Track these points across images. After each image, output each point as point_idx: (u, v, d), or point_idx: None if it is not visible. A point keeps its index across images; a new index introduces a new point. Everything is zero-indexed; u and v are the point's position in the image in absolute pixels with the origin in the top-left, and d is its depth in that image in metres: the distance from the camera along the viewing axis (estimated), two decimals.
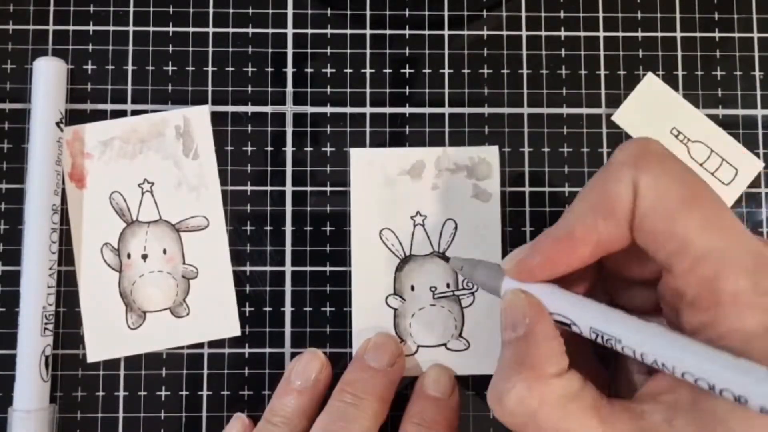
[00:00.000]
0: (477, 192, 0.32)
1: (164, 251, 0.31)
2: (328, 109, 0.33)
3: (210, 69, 0.32)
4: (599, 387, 0.23)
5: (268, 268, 0.32)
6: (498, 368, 0.23)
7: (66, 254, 0.31)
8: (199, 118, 0.32)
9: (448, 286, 0.31)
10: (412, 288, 0.31)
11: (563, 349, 0.23)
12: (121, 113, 0.32)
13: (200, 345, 0.31)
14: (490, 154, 0.32)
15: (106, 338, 0.31)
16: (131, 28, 0.33)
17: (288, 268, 0.32)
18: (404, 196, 0.32)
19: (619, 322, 0.22)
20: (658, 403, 0.21)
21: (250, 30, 0.33)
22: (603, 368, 0.27)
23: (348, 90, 0.33)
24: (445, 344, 0.31)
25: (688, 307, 0.21)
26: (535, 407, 0.21)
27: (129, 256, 0.31)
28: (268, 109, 0.32)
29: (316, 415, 0.29)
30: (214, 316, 0.31)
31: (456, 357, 0.31)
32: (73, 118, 0.32)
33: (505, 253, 0.31)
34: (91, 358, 0.31)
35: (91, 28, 0.32)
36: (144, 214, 0.31)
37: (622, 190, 0.22)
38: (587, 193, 0.23)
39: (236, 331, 0.31)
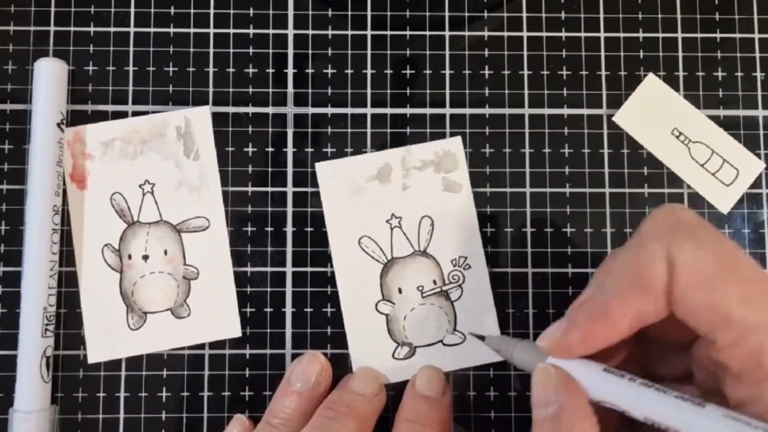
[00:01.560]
0: (447, 185, 0.32)
1: (165, 252, 0.31)
2: (329, 110, 0.33)
3: (211, 70, 0.32)
4: None
5: (268, 269, 0.32)
6: None
7: (67, 255, 0.31)
8: (200, 118, 0.32)
9: (434, 282, 0.31)
10: (400, 290, 0.31)
11: (598, 429, 0.22)
12: (122, 114, 0.32)
13: (201, 346, 0.31)
14: (454, 145, 0.32)
15: (107, 339, 0.31)
16: (132, 29, 0.33)
17: (289, 269, 0.32)
18: (376, 202, 0.32)
19: (673, 407, 0.21)
20: None
21: (251, 31, 0.33)
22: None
23: (349, 91, 0.33)
24: (441, 341, 0.31)
25: (734, 380, 0.21)
26: None
27: (130, 256, 0.31)
28: (269, 110, 0.32)
29: None
30: (215, 316, 0.31)
31: (453, 351, 0.31)
32: (74, 118, 0.32)
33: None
34: (92, 359, 0.31)
35: (92, 29, 0.33)
36: (145, 214, 0.31)
37: (656, 267, 0.21)
38: (620, 268, 0.23)
39: (237, 332, 0.31)
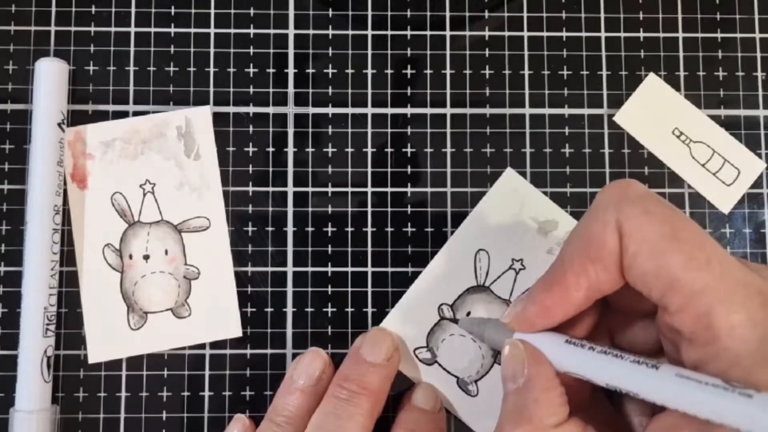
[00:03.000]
0: (550, 248, 0.31)
1: (166, 252, 0.31)
2: (330, 110, 0.33)
3: (211, 70, 0.32)
4: (606, 423, 0.23)
5: (269, 269, 0.32)
6: (499, 420, 0.24)
7: (68, 255, 0.31)
8: (200, 118, 0.32)
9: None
10: (468, 314, 0.31)
11: (564, 399, 0.23)
12: (123, 114, 0.32)
13: (202, 346, 0.31)
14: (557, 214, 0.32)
15: (107, 339, 0.31)
16: (133, 29, 0.33)
17: (289, 269, 0.32)
18: (521, 239, 0.31)
19: (629, 371, 0.22)
20: None
21: (251, 31, 0.33)
22: (608, 403, 0.27)
23: (349, 91, 0.33)
24: (458, 379, 0.31)
25: (687, 343, 0.21)
26: None
27: (131, 256, 0.31)
28: (270, 109, 0.32)
29: None
30: (216, 316, 0.31)
31: (461, 397, 0.31)
32: (74, 118, 0.32)
33: None
34: (92, 359, 0.31)
35: (92, 29, 0.33)
36: (146, 214, 0.31)
37: (607, 235, 0.22)
38: (574, 238, 0.24)
39: (238, 332, 0.31)
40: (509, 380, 0.24)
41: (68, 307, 0.31)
